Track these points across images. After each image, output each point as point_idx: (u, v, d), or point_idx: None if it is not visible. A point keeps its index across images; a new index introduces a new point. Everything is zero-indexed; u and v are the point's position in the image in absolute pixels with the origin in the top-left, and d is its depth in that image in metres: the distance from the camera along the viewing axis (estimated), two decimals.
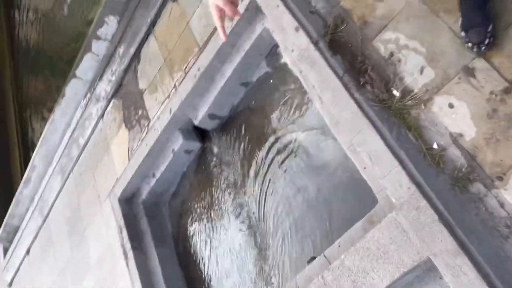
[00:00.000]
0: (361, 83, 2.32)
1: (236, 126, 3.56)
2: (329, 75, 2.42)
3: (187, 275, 3.82)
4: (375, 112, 2.22)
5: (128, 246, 3.91)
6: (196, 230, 3.86)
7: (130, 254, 3.87)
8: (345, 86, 2.35)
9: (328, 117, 2.50)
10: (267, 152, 3.30)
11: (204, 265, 3.71)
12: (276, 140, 3.21)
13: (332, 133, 2.60)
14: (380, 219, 2.22)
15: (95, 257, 4.49)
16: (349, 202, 2.68)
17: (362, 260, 2.15)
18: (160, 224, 4.06)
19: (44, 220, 5.71)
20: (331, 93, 2.40)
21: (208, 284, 3.64)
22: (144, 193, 4.07)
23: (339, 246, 2.40)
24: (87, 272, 4.58)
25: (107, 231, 4.31)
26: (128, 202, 4.15)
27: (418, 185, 1.99)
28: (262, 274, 3.18)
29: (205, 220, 3.80)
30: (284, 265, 3.01)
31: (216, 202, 3.71)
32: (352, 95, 2.31)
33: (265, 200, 3.25)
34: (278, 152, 3.17)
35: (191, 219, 3.93)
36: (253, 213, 3.34)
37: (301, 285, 2.55)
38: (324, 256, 2.47)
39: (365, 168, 2.31)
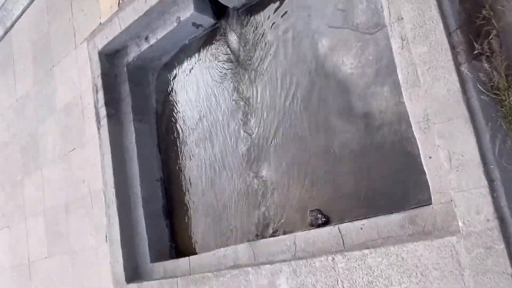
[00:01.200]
0: (476, 51, 1.64)
1: (266, 13, 2.78)
2: (434, 21, 1.70)
3: (164, 159, 3.42)
4: (481, 103, 1.61)
5: (103, 112, 3.36)
6: (185, 112, 3.33)
7: (104, 121, 3.35)
8: (452, 47, 1.67)
9: (405, 70, 1.86)
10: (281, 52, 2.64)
11: (185, 154, 3.29)
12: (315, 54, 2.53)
13: (400, 89, 1.99)
14: (425, 224, 1.81)
15: (62, 103, 3.92)
16: None
17: (391, 268, 1.79)
18: (143, 94, 3.47)
19: (6, 33, 4.88)
20: (427, 49, 1.72)
21: (184, 175, 3.28)
22: (131, 54, 3.36)
23: (361, 229, 2.02)
24: (51, 115, 4.05)
25: (80, 81, 3.67)
26: (110, 58, 3.45)
27: (501, 221, 1.54)
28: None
29: (198, 103, 3.25)
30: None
31: (215, 86, 3.11)
32: (457, 66, 1.65)
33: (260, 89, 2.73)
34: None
35: (181, 98, 3.36)
36: (251, 102, 2.83)
37: (299, 246, 2.23)
38: (339, 230, 2.09)
39: (430, 157, 1.80)
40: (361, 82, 2.28)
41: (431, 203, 1.94)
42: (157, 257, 3.14)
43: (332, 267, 1.97)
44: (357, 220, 2.08)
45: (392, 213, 1.97)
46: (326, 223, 2.36)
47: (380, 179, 2.20)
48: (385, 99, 2.19)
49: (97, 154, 3.41)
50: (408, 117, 2.04)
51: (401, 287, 1.76)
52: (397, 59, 1.90)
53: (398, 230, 1.89)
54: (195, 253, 3.09)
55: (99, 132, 3.38)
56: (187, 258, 2.85)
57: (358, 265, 1.88)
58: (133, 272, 3.13)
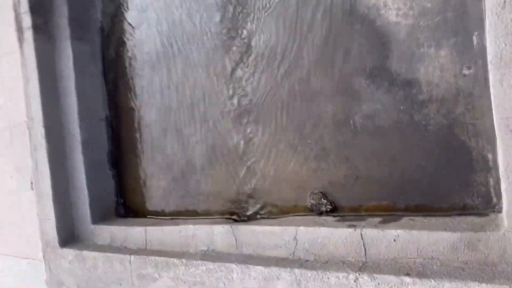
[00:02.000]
0: None
1: None
2: None
3: (111, 93, 2.65)
4: None
5: (27, 20, 2.45)
6: (144, 33, 2.52)
7: (29, 34, 2.45)
8: None
9: (501, 40, 1.30)
10: None
11: (140, 88, 2.55)
12: None
13: (465, 57, 1.44)
14: (489, 253, 1.39)
15: None
16: None
17: None
18: (85, 2, 2.57)
19: None
20: None
21: (139, 115, 2.57)
22: None
23: (394, 240, 1.55)
24: None
25: None
26: None
27: None
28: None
29: (164, 24, 2.46)
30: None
31: (194, 8, 2.34)
32: None
33: None
34: None
35: (139, 13, 2.53)
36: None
37: (301, 244, 1.75)
38: (361, 236, 1.62)
39: None
40: (408, 38, 1.67)
41: (483, 215, 1.52)
42: (100, 216, 2.53)
43: None
44: (386, 227, 1.60)
45: (437, 217, 1.52)
46: (332, 211, 1.88)
47: (413, 168, 1.71)
48: (440, 66, 1.62)
49: (18, 76, 2.56)
50: (471, 97, 1.53)
51: None
52: (490, 21, 1.32)
53: (449, 252, 1.45)
54: (150, 215, 2.52)
55: (21, 47, 2.49)
56: (142, 228, 2.27)
57: None
58: (69, 233, 2.52)
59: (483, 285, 1.29)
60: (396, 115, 1.73)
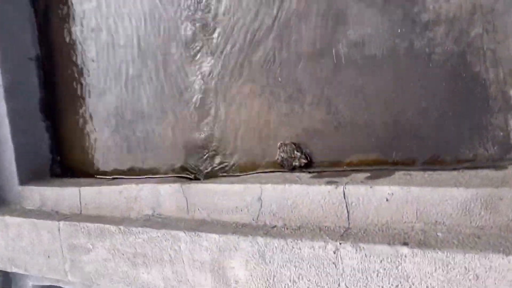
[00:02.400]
0: None
1: None
2: None
3: (42, 26, 2.18)
4: None
5: None
6: None
7: None
8: None
9: None
10: None
11: (79, 20, 2.09)
12: None
13: None
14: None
15: None
16: None
17: (449, 284, 1.02)
18: None
19: None
20: None
21: (77, 54, 2.11)
22: None
23: (386, 200, 1.19)
24: None
25: None
26: None
27: None
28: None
29: None
30: None
31: None
32: None
33: None
34: None
35: None
36: None
37: (267, 206, 1.37)
38: (344, 195, 1.25)
39: None
40: None
41: (500, 168, 1.18)
42: (31, 176, 2.11)
43: (333, 263, 1.16)
44: (376, 183, 1.23)
45: (444, 169, 1.16)
46: (307, 166, 1.51)
47: (411, 111, 1.34)
48: None
49: None
50: (491, 14, 1.17)
51: None
52: None
53: (459, 215, 1.09)
54: (91, 174, 2.10)
55: None
56: (77, 189, 1.86)
57: (384, 269, 1.09)
58: None
59: (510, 257, 0.94)
60: (391, 42, 1.34)
